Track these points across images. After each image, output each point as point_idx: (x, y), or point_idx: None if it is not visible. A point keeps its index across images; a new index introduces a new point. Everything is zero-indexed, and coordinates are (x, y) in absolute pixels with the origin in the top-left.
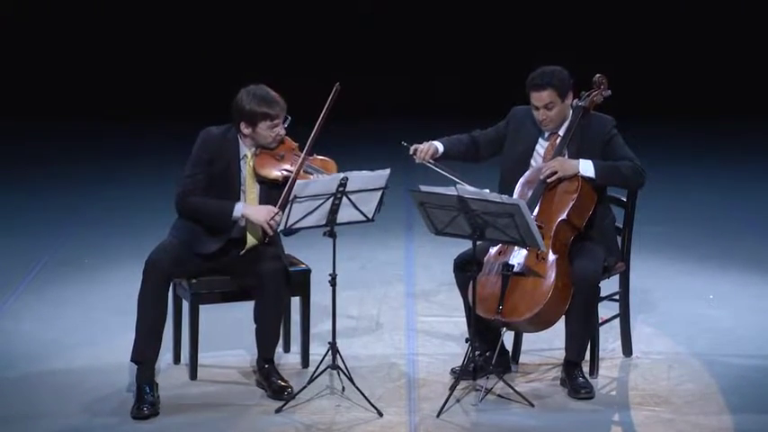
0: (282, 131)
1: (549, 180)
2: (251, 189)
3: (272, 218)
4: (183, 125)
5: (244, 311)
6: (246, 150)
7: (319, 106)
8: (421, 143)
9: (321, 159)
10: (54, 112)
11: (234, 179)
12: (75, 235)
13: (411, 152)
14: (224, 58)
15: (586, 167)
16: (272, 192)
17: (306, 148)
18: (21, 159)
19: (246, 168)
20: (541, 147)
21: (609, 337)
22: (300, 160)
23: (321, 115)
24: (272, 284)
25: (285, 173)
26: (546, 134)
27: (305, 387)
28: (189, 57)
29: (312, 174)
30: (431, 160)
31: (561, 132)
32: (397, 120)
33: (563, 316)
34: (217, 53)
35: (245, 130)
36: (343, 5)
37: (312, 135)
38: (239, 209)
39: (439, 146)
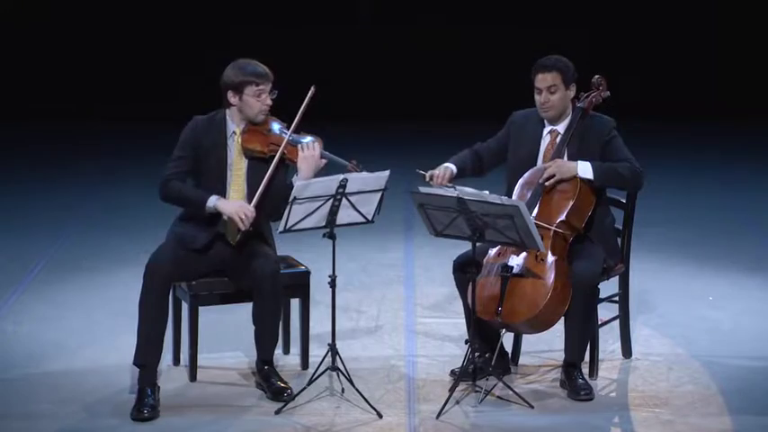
0: (269, 101)
1: (547, 183)
2: (238, 165)
3: (244, 212)
4: (183, 124)
5: (243, 313)
6: (235, 127)
7: (315, 105)
8: (434, 168)
9: (310, 135)
10: (54, 113)
11: (222, 156)
12: (75, 236)
13: (427, 179)
14: (224, 58)
15: (584, 169)
16: (260, 166)
17: (293, 125)
18: (21, 160)
19: (234, 145)
20: (543, 144)
21: (608, 339)
22: (288, 133)
23: (297, 117)
24: (269, 286)
25: (272, 147)
26: (547, 129)
27: (304, 388)
28: (190, 58)
29: (299, 145)
30: (448, 183)
31: (561, 130)
32: (395, 122)
33: (562, 317)
34: (217, 54)
35: (233, 99)
36: (345, 7)
37: (296, 120)
38: (213, 200)
39: (453, 167)
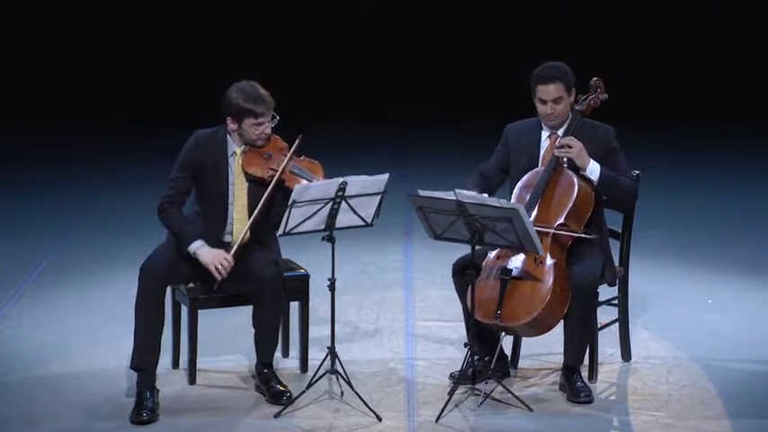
0: (268, 130)
1: (557, 153)
2: (240, 186)
3: (220, 261)
4: (184, 129)
5: (242, 316)
6: (236, 148)
7: (316, 110)
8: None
9: (308, 161)
10: (54, 116)
11: (223, 176)
12: (75, 239)
13: None
14: (225, 60)
15: (593, 169)
16: (260, 190)
17: (291, 149)
18: (19, 163)
19: (235, 165)
20: (543, 148)
21: (608, 342)
22: (285, 161)
23: (289, 153)
24: (271, 289)
25: (271, 172)
26: (546, 133)
27: (304, 392)
28: (190, 60)
29: (298, 175)
30: None
31: (560, 133)
32: (394, 125)
33: (562, 320)
34: (218, 56)
35: (232, 125)
36: (343, 6)
37: (292, 149)
38: (195, 246)
39: (485, 195)
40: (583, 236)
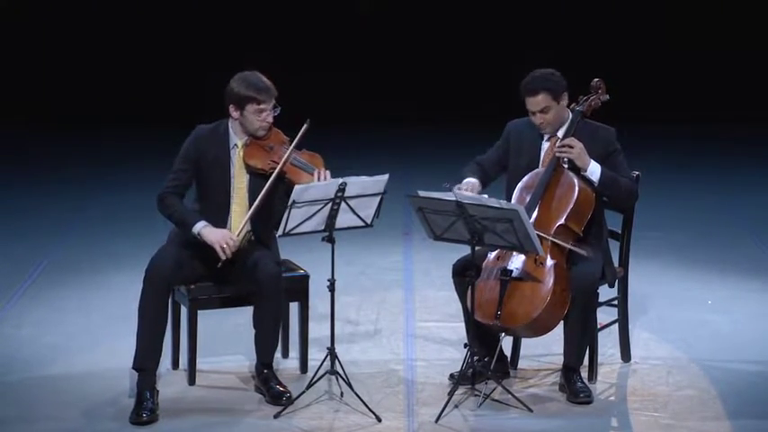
0: (270, 119)
1: (557, 153)
2: (240, 179)
3: (225, 241)
4: (184, 129)
5: (242, 317)
6: (237, 140)
7: (314, 108)
8: (458, 184)
9: (309, 154)
10: (53, 116)
11: (224, 169)
12: (75, 239)
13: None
14: (223, 61)
15: (594, 170)
16: (260, 182)
17: (294, 140)
18: (20, 163)
19: (236, 158)
20: (543, 150)
21: (607, 343)
22: (287, 153)
23: (291, 146)
24: (271, 290)
25: (272, 164)
26: (546, 136)
27: (303, 392)
28: (190, 60)
29: (299, 167)
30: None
31: (560, 134)
32: (394, 125)
33: (562, 321)
34: (216, 56)
35: (234, 113)
36: (344, 6)
37: (295, 141)
38: (198, 227)
39: (476, 181)
40: (576, 251)
